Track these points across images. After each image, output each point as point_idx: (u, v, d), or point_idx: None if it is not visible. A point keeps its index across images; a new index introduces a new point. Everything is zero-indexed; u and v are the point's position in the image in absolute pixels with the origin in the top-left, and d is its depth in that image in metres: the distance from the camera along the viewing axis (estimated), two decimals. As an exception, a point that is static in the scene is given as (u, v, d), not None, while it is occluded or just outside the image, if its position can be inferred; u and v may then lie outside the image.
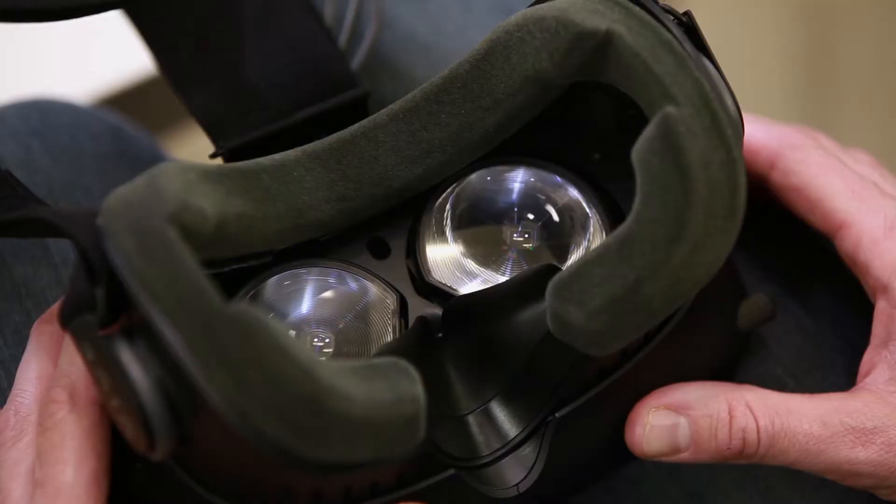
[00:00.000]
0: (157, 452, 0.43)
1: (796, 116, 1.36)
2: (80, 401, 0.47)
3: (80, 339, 0.44)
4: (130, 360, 0.43)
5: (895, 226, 0.54)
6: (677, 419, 0.51)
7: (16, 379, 0.50)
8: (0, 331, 0.57)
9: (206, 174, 0.46)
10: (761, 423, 0.51)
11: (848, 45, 1.37)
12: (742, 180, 0.46)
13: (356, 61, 0.61)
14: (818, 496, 0.58)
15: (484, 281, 0.52)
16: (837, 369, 0.59)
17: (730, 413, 0.51)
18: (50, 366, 0.49)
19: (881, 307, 0.54)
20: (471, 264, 0.52)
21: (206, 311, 0.41)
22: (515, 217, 0.53)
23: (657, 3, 0.48)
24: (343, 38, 0.60)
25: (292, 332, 0.49)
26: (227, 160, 0.54)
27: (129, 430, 0.44)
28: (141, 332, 0.43)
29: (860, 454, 0.51)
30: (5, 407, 0.49)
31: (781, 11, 1.39)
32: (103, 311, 0.43)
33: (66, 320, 0.44)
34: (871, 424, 0.51)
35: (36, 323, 0.51)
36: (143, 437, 0.43)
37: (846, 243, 0.55)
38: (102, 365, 0.43)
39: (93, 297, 0.43)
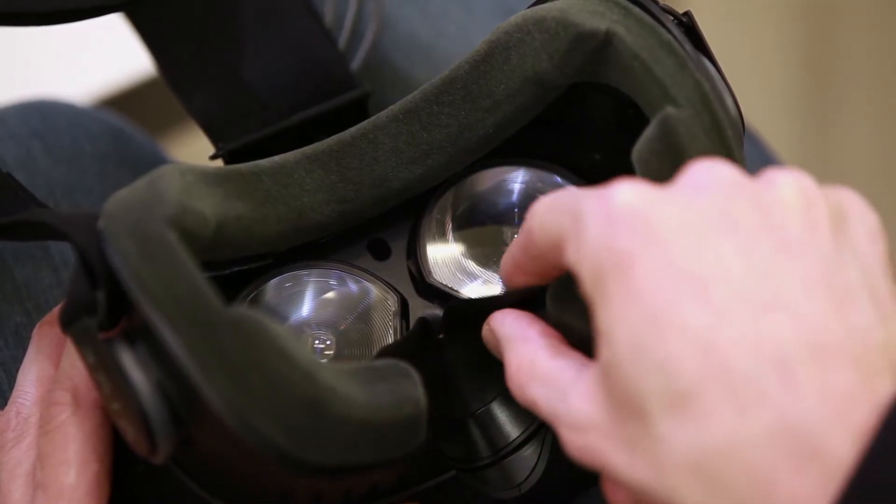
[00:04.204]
0: (158, 455, 0.43)
1: (797, 117, 1.36)
2: (83, 403, 0.47)
3: (81, 343, 0.44)
4: (131, 364, 0.42)
5: None
6: None
7: (17, 380, 0.50)
8: (1, 332, 0.57)
9: (206, 177, 0.46)
10: None
11: (849, 45, 1.37)
12: None
13: (356, 62, 0.61)
14: None
15: (485, 282, 0.52)
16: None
17: None
18: (51, 368, 0.49)
19: None
20: (471, 265, 0.52)
21: (205, 315, 0.41)
22: (516, 217, 0.53)
23: (657, 3, 0.48)
24: (343, 39, 0.60)
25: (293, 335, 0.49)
26: (227, 162, 0.54)
27: (130, 433, 0.43)
28: (141, 336, 0.43)
29: None
30: (6, 408, 0.49)
31: (782, 12, 1.39)
32: (104, 314, 0.43)
33: (67, 324, 0.44)
34: None
35: (37, 325, 0.51)
36: (144, 440, 0.43)
37: None
38: (103, 369, 0.43)
39: (93, 300, 0.43)
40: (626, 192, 0.40)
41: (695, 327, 0.37)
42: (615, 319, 0.38)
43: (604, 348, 0.39)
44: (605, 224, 0.39)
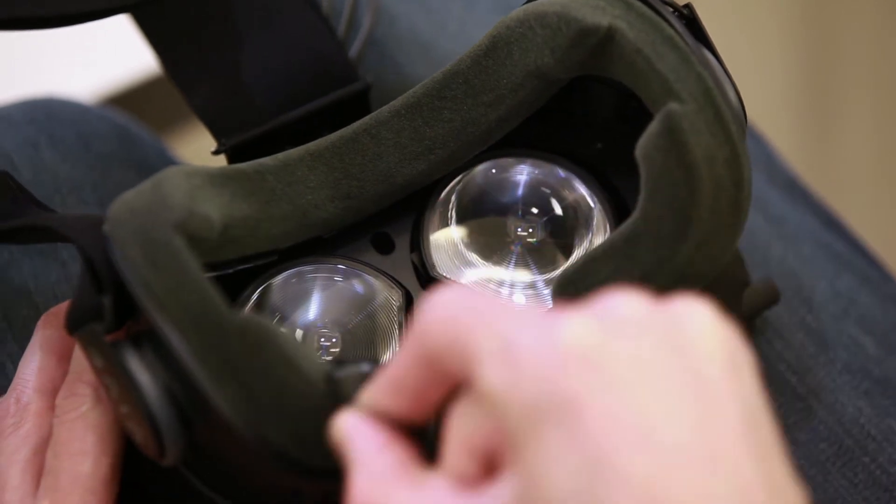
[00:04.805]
0: (167, 458, 0.43)
1: (798, 113, 1.35)
2: (103, 398, 0.47)
3: (88, 347, 0.44)
4: (138, 368, 0.43)
5: None
6: None
7: (18, 369, 0.50)
8: (9, 325, 0.58)
9: (211, 178, 0.47)
10: None
11: (849, 42, 1.36)
12: (747, 175, 0.46)
13: (352, 53, 0.61)
14: None
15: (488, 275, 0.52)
16: (839, 366, 0.59)
17: None
18: (52, 358, 0.50)
19: None
20: (475, 257, 0.52)
21: (212, 320, 0.42)
22: (519, 211, 0.53)
23: (658, -4, 0.48)
24: (340, 31, 0.60)
25: (299, 332, 0.49)
26: (230, 157, 0.54)
27: (139, 435, 0.44)
28: (148, 339, 0.43)
29: None
30: (6, 395, 0.49)
31: (782, 8, 1.39)
32: (110, 319, 0.44)
33: (73, 328, 0.44)
34: None
35: (42, 316, 0.51)
36: (153, 443, 0.43)
37: None
38: (110, 372, 0.43)
39: (99, 305, 0.44)
40: (576, 329, 0.37)
41: (640, 478, 0.35)
42: (553, 462, 0.36)
43: (531, 488, 0.36)
44: (551, 362, 0.36)
